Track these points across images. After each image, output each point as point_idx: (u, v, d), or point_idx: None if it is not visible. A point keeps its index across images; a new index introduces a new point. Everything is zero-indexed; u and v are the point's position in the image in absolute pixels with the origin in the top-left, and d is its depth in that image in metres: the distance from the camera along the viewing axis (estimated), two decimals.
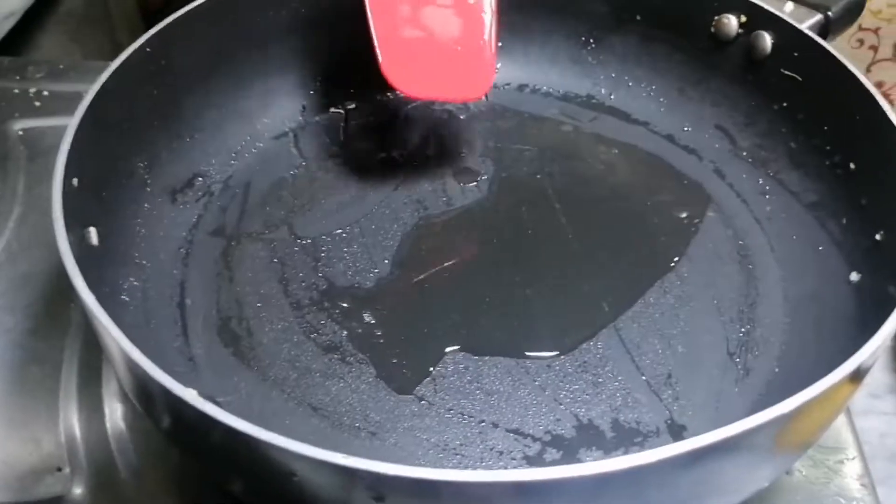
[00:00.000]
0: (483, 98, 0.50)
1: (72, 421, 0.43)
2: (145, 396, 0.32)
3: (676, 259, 0.46)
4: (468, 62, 0.48)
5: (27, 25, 0.74)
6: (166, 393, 0.29)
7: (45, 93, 0.61)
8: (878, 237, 0.40)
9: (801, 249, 0.45)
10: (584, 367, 0.41)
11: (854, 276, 0.41)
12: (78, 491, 0.41)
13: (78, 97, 0.41)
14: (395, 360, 0.41)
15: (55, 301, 0.49)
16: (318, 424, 0.39)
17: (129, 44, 0.44)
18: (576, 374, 0.41)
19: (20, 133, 0.59)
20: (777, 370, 0.41)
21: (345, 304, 0.44)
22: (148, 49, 0.45)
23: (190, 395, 0.28)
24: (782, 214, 0.47)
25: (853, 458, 0.44)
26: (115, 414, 0.44)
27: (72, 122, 0.39)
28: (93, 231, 0.40)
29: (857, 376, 0.31)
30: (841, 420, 0.45)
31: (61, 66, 0.63)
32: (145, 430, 0.43)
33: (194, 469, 0.41)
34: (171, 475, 0.41)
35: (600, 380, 0.41)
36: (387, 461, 0.26)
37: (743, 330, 0.43)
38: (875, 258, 0.40)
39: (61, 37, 0.79)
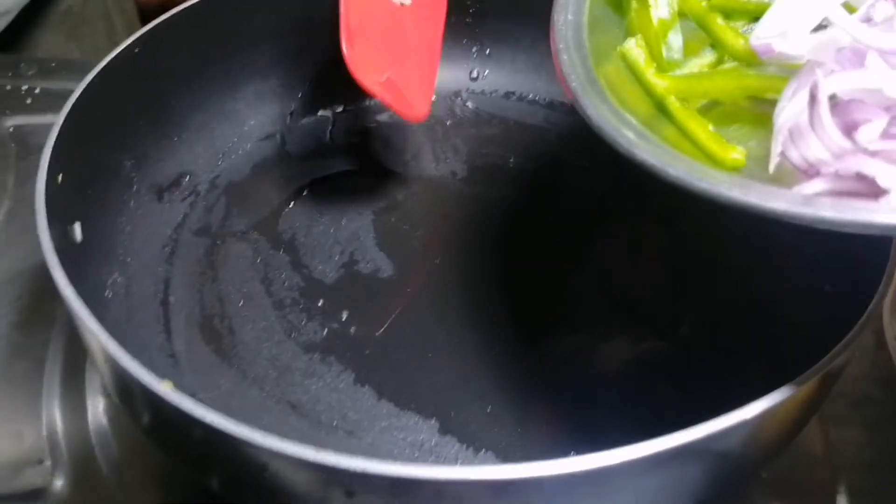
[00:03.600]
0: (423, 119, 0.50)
1: (54, 415, 0.44)
2: (121, 389, 0.33)
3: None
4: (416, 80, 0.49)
5: (24, 23, 0.74)
6: (141, 386, 0.29)
7: (37, 90, 0.61)
8: None
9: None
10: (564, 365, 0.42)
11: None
12: (59, 483, 0.41)
13: (69, 95, 0.42)
14: (373, 362, 0.42)
15: (41, 297, 0.49)
16: (295, 422, 0.39)
17: None
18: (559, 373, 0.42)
19: (11, 130, 0.59)
20: None
21: (326, 305, 0.45)
22: (136, 49, 0.45)
23: (164, 389, 0.28)
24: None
25: (824, 465, 0.44)
26: (97, 409, 0.44)
27: (58, 119, 0.40)
28: (77, 227, 0.40)
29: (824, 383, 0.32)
30: (814, 426, 0.46)
31: (53, 64, 0.64)
32: (126, 425, 0.43)
33: (173, 465, 0.41)
34: (150, 470, 0.42)
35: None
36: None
37: None
38: None
39: (59, 36, 0.80)
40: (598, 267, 0.47)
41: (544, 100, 0.57)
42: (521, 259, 0.48)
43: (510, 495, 0.28)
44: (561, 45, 0.34)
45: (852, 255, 0.40)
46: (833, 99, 0.27)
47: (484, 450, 0.39)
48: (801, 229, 0.43)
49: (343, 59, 0.44)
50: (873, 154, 0.26)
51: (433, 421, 0.39)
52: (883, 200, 0.25)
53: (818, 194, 0.27)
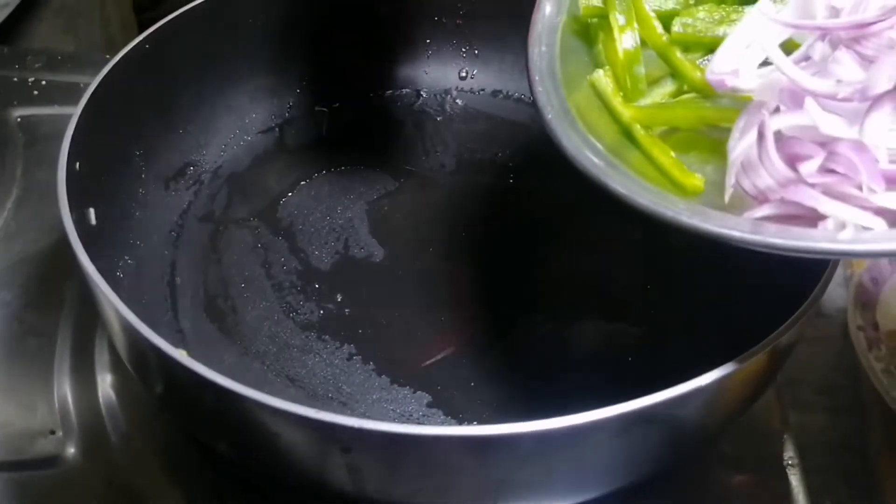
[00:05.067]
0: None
1: (65, 389, 0.47)
2: (139, 358, 0.36)
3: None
4: None
5: (22, 16, 0.76)
6: (157, 352, 0.32)
7: (44, 82, 0.64)
8: None
9: None
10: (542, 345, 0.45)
11: None
12: (70, 451, 0.44)
13: (75, 87, 0.44)
14: (366, 340, 0.45)
15: (51, 278, 0.52)
16: (294, 394, 0.42)
17: (121, 37, 0.47)
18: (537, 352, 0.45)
19: (18, 120, 0.62)
20: None
21: (323, 288, 0.48)
22: (147, 45, 0.48)
23: (180, 355, 0.31)
24: None
25: (784, 442, 0.47)
26: (105, 383, 0.47)
27: (76, 110, 0.42)
28: (92, 212, 0.43)
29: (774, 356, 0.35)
30: (773, 403, 0.49)
31: (59, 57, 0.66)
32: (134, 398, 0.46)
33: (178, 433, 0.44)
34: (156, 439, 0.45)
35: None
36: None
37: None
38: None
39: (55, 29, 0.82)
40: (575, 256, 0.50)
41: (530, 98, 0.58)
42: (503, 247, 0.51)
43: (490, 453, 0.31)
44: (536, 77, 0.36)
45: None
46: (778, 133, 0.30)
47: (467, 421, 0.42)
48: None
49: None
50: (813, 185, 0.29)
51: (421, 394, 0.43)
52: (821, 225, 0.29)
53: (766, 218, 0.30)
